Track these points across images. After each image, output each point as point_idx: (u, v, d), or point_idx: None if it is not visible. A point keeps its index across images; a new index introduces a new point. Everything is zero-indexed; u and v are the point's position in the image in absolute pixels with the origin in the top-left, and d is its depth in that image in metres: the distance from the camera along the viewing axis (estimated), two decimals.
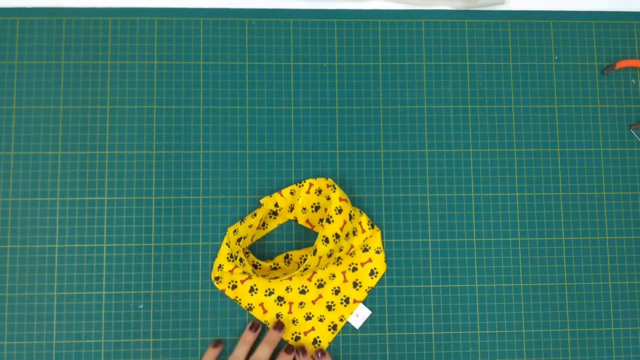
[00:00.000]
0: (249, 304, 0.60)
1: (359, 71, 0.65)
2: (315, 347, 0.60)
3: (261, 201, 0.60)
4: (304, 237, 0.63)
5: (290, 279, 0.61)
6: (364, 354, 0.61)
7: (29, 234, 0.61)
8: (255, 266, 0.60)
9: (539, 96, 0.66)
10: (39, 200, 0.61)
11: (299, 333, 0.60)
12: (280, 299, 0.61)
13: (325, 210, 0.60)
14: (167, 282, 0.61)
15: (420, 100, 0.65)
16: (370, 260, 0.61)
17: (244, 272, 0.60)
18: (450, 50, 0.66)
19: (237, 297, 0.60)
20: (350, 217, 0.58)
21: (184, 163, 0.63)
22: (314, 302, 0.61)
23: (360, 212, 0.61)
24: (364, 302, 0.62)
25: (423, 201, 0.63)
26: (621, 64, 0.65)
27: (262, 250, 0.62)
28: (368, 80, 0.65)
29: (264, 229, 0.62)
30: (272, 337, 0.59)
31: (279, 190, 0.62)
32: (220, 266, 0.60)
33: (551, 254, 0.63)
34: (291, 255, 0.61)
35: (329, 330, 0.60)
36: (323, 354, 0.59)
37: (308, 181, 0.60)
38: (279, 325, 0.59)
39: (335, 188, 0.58)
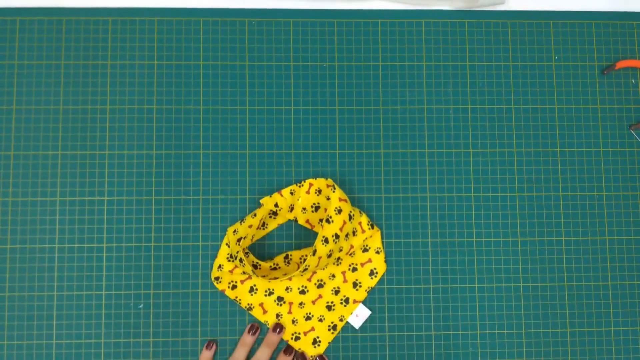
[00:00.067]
0: (248, 304, 0.60)
1: (359, 71, 0.65)
2: (315, 347, 0.60)
3: (261, 201, 0.60)
4: (303, 237, 0.63)
5: (290, 279, 0.61)
6: (363, 354, 0.61)
7: (29, 234, 0.61)
8: (255, 266, 0.60)
9: (539, 96, 0.66)
10: (39, 200, 0.61)
11: (299, 333, 0.60)
12: (280, 299, 0.61)
13: (325, 210, 0.60)
14: (167, 282, 0.61)
15: (420, 100, 0.65)
16: (370, 261, 0.61)
17: (244, 272, 0.60)
18: (450, 50, 0.66)
19: (237, 297, 0.60)
20: (350, 218, 0.58)
21: (184, 163, 0.63)
22: (313, 302, 0.61)
23: (360, 212, 0.61)
24: (364, 302, 0.62)
25: (423, 201, 0.63)
26: (621, 64, 0.65)
27: (262, 251, 0.62)
28: (368, 80, 0.65)
29: (263, 229, 0.62)
30: (272, 338, 0.59)
31: (279, 190, 0.62)
32: (220, 266, 0.60)
33: (551, 254, 0.63)
34: (291, 255, 0.61)
35: (329, 330, 0.60)
36: (322, 359, 0.60)
37: (308, 181, 0.60)
38: (278, 327, 0.59)
39: (335, 188, 0.58)
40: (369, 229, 0.61)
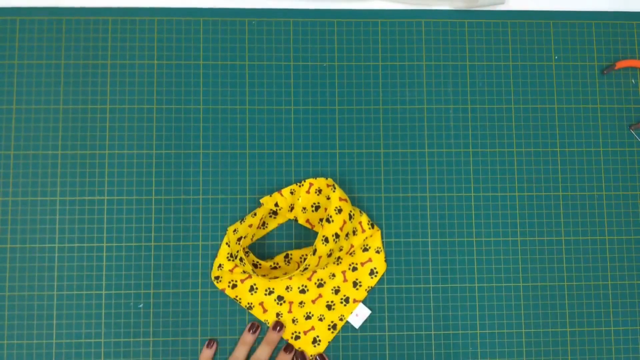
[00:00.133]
0: (248, 303, 0.60)
1: (359, 71, 0.65)
2: (315, 346, 0.60)
3: (261, 201, 0.60)
4: (304, 236, 0.63)
5: (290, 278, 0.61)
6: (363, 353, 0.61)
7: (29, 234, 0.61)
8: (255, 265, 0.60)
9: (539, 96, 0.66)
10: (39, 200, 0.61)
11: (299, 332, 0.60)
12: (280, 298, 0.61)
13: (325, 210, 0.60)
14: (167, 282, 0.61)
15: (420, 100, 0.65)
16: (370, 260, 0.61)
17: (244, 272, 0.60)
18: (450, 50, 0.66)
19: (237, 296, 0.60)
20: (350, 217, 0.58)
21: (184, 163, 0.63)
22: (313, 301, 0.61)
23: (360, 212, 0.61)
24: (364, 302, 0.62)
25: (423, 201, 0.63)
26: (621, 64, 0.65)
27: (262, 250, 0.62)
28: (368, 80, 0.65)
29: (264, 228, 0.62)
30: (272, 337, 0.59)
31: (279, 190, 0.62)
32: (220, 265, 0.60)
33: (551, 254, 0.63)
34: (291, 254, 0.61)
35: (329, 329, 0.60)
36: (322, 359, 0.59)
37: (308, 181, 0.60)
38: (278, 325, 0.59)
39: (335, 188, 0.58)
40: (369, 228, 0.61)
